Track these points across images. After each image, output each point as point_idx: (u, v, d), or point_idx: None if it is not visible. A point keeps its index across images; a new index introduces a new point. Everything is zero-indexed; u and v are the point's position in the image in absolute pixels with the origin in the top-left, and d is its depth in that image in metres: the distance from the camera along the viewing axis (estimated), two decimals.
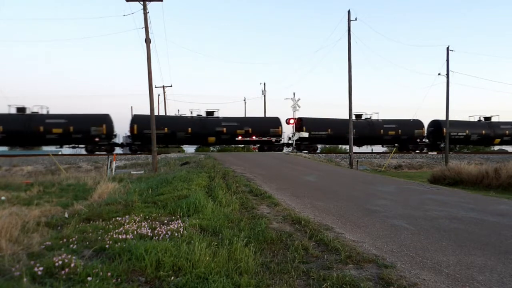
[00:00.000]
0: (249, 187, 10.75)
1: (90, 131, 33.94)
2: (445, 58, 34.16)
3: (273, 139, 37.20)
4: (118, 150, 36.36)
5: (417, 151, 40.81)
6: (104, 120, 35.02)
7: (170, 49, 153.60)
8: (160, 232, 5.64)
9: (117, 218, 6.81)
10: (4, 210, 7.29)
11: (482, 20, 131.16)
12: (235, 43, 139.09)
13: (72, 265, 4.13)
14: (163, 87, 50.96)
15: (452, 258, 4.82)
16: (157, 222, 6.45)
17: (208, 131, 36.12)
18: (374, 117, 41.05)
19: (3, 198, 10.66)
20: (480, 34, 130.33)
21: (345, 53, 29.81)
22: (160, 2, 22.53)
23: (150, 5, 22.55)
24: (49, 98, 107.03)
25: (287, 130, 39.02)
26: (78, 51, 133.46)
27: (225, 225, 6.15)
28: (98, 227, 6.19)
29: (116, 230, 5.77)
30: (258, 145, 37.74)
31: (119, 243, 5.02)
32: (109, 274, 3.96)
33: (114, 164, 21.16)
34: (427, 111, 60.27)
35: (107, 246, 4.98)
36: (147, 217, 6.88)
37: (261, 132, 36.94)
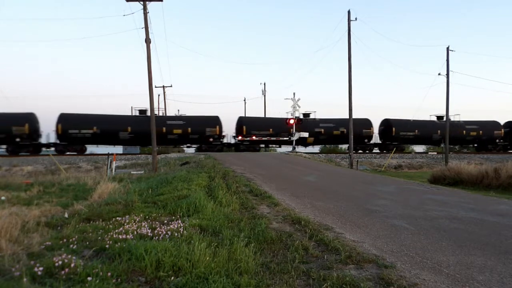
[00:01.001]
0: (249, 187, 10.75)
1: (205, 132, 35.98)
2: (445, 58, 34.21)
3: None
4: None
5: (494, 151, 41.42)
6: (217, 121, 36.89)
7: (170, 49, 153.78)
8: (160, 232, 5.64)
9: (117, 218, 6.81)
10: (4, 210, 7.29)
11: (482, 20, 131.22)
12: (235, 43, 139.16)
13: (72, 265, 4.13)
14: (163, 87, 50.96)
15: (452, 258, 4.82)
16: (157, 222, 6.45)
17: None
18: (456, 118, 41.78)
19: (3, 198, 10.66)
20: (480, 34, 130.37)
21: (345, 53, 29.84)
22: (160, 2, 22.55)
23: (150, 5, 22.55)
24: (49, 98, 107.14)
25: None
26: (78, 51, 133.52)
27: (225, 225, 6.15)
28: (98, 227, 6.19)
29: (116, 230, 5.77)
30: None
31: (119, 243, 5.02)
32: (109, 274, 3.96)
33: (114, 164, 21.16)
34: (427, 111, 60.34)
35: (107, 246, 4.98)
36: (147, 217, 6.88)
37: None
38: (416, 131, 39.97)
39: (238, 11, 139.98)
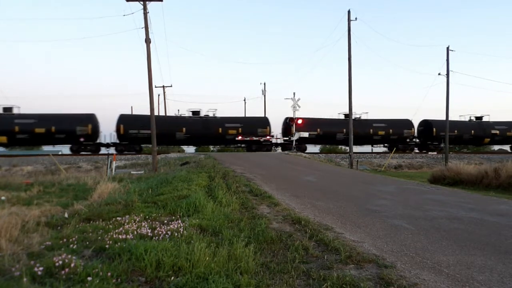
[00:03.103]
0: (249, 187, 10.74)
1: (257, 132, 37.60)
2: (445, 58, 34.21)
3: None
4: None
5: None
6: (267, 122, 38.42)
7: (170, 49, 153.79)
8: (160, 232, 5.64)
9: (117, 218, 6.81)
10: (4, 210, 7.30)
11: (482, 20, 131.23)
12: (235, 43, 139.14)
13: (72, 265, 4.13)
14: (163, 87, 51.01)
15: (452, 258, 4.82)
16: (157, 222, 6.45)
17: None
18: (485, 118, 43.31)
19: (3, 198, 10.66)
20: (480, 34, 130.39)
21: (345, 53, 29.83)
22: (160, 2, 22.56)
23: (150, 5, 22.56)
24: (49, 98, 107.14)
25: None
26: (78, 51, 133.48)
27: (225, 225, 6.15)
28: (98, 227, 6.19)
29: (116, 230, 5.77)
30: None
31: (119, 243, 5.02)
32: (109, 274, 3.96)
33: (114, 164, 21.16)
34: (427, 111, 60.36)
35: (107, 246, 4.97)
36: (147, 217, 6.87)
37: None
38: (456, 131, 40.71)
39: (238, 11, 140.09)
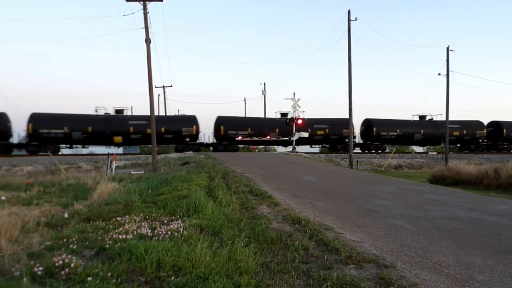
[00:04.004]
0: (249, 187, 10.74)
1: (342, 133, 38.82)
2: (445, 58, 34.21)
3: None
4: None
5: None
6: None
7: (170, 49, 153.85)
8: (160, 232, 5.63)
9: (117, 218, 6.80)
10: (4, 210, 7.30)
11: (482, 20, 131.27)
12: (235, 43, 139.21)
13: (72, 265, 4.13)
14: (163, 87, 51.02)
15: (452, 258, 4.82)
16: (157, 222, 6.45)
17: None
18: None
19: (3, 198, 10.66)
20: (480, 34, 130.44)
21: (345, 53, 29.83)
22: (160, 2, 22.55)
23: (150, 5, 22.54)
24: (49, 98, 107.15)
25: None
26: (78, 51, 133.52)
27: (225, 225, 6.15)
28: (98, 227, 6.18)
29: (116, 230, 5.77)
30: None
31: (119, 243, 5.02)
32: (109, 274, 3.96)
33: (114, 164, 21.17)
34: (428, 111, 60.29)
35: (107, 246, 4.97)
36: (147, 217, 6.87)
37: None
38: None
39: (238, 11, 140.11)
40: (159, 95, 56.99)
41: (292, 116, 36.77)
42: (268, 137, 37.76)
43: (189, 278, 3.92)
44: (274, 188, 10.99)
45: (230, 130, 36.72)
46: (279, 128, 37.80)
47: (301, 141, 38.80)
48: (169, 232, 5.62)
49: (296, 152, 34.47)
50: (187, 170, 14.91)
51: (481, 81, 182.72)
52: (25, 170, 25.98)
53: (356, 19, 29.36)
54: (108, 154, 22.82)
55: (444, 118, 35.77)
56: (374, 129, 39.46)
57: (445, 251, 5.15)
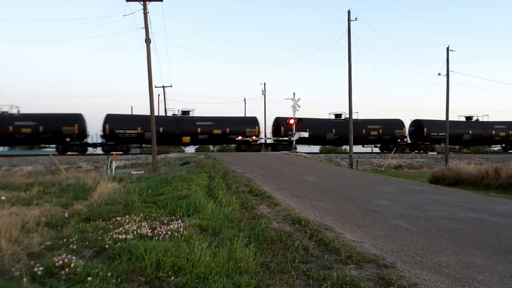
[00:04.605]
0: (249, 187, 10.74)
1: (395, 133, 40.04)
2: (445, 58, 34.20)
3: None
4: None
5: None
6: (403, 124, 41.00)
7: (170, 49, 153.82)
8: (160, 232, 5.63)
9: (117, 218, 6.80)
10: (4, 210, 7.30)
11: (482, 21, 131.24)
12: (235, 43, 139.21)
13: (72, 265, 4.13)
14: (163, 87, 51.05)
15: (452, 258, 4.82)
16: (157, 222, 6.45)
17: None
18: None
19: (3, 198, 10.65)
20: (480, 34, 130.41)
21: (346, 53, 29.82)
22: (160, 2, 22.56)
23: (150, 5, 22.56)
24: (49, 98, 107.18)
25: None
26: (78, 51, 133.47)
27: (225, 225, 6.15)
28: (98, 227, 6.18)
29: (116, 230, 5.77)
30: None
31: (119, 243, 5.02)
32: (109, 274, 3.96)
33: (114, 164, 21.17)
34: (428, 111, 60.26)
35: (107, 246, 4.97)
36: (147, 217, 6.87)
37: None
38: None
39: (238, 11, 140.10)
40: (159, 95, 56.95)
41: (293, 115, 36.77)
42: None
43: (189, 278, 3.91)
44: (274, 188, 10.99)
45: (290, 130, 37.63)
46: (335, 128, 39.54)
47: (354, 141, 40.09)
48: (169, 232, 5.62)
49: (296, 152, 34.49)
50: (187, 170, 14.92)
51: (481, 81, 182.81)
52: (25, 170, 26.01)
53: (356, 19, 29.35)
54: (108, 154, 22.81)
55: (490, 119, 37.18)
56: (425, 129, 40.69)
57: (445, 251, 5.15)
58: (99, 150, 36.30)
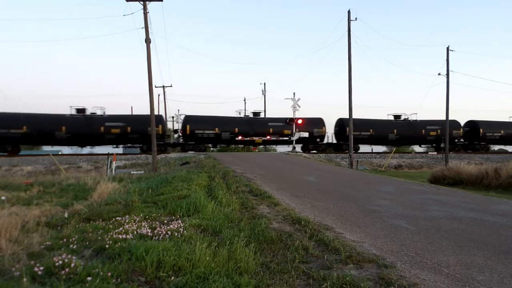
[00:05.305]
0: (249, 187, 10.74)
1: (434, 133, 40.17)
2: (445, 58, 34.19)
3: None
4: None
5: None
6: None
7: (170, 48, 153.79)
8: (160, 232, 5.63)
9: (117, 218, 6.80)
10: (4, 210, 7.30)
11: (482, 21, 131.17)
12: (235, 43, 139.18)
13: (72, 265, 4.13)
14: (163, 87, 50.95)
15: (452, 258, 4.82)
16: (157, 222, 6.45)
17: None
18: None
19: (3, 198, 10.65)
20: (480, 34, 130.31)
21: (346, 53, 29.82)
22: (160, 2, 22.56)
23: (150, 5, 22.57)
24: (49, 98, 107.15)
25: None
26: (78, 51, 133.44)
27: (225, 225, 6.15)
28: (98, 227, 6.18)
29: (116, 230, 5.77)
30: None
31: (119, 243, 5.02)
32: (109, 274, 3.95)
33: (114, 164, 21.17)
34: (429, 111, 60.26)
35: (107, 246, 4.97)
36: (147, 217, 6.87)
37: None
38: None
39: (238, 11, 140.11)
40: (159, 95, 56.96)
41: (293, 115, 36.78)
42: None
43: (189, 278, 3.91)
44: (274, 188, 10.99)
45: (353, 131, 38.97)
46: (396, 129, 39.69)
47: (412, 141, 41.32)
48: (169, 232, 5.62)
49: (296, 152, 34.51)
50: (187, 170, 14.92)
51: (481, 81, 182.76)
52: (25, 170, 26.00)
53: (356, 19, 29.30)
54: (108, 154, 22.82)
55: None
56: (481, 130, 41.21)
57: (445, 251, 5.15)
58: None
